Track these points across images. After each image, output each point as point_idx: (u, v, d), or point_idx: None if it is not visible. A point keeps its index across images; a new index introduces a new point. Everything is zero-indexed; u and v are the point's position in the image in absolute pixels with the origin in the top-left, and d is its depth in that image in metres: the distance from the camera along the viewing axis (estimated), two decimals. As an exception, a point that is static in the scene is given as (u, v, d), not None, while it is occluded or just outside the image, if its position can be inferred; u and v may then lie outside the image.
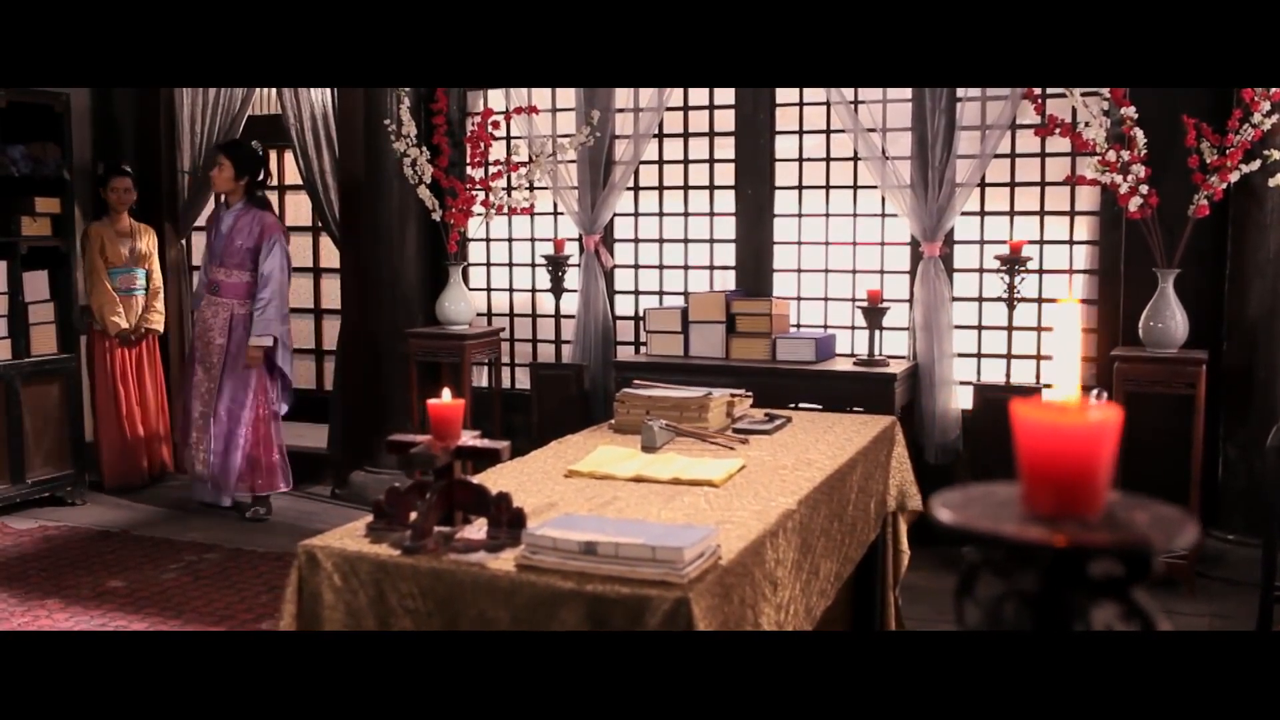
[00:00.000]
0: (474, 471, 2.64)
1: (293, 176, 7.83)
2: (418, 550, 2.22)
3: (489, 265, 6.60)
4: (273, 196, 7.97)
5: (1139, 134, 4.82)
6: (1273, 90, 4.66)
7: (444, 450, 2.30)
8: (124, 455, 6.67)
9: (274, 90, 7.30)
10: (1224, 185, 4.75)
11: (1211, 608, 4.70)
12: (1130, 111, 4.82)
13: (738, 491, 2.72)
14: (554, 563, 2.13)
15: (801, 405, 5.00)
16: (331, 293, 7.86)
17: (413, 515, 2.38)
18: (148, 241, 6.72)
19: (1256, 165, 4.71)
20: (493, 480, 2.74)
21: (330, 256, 7.72)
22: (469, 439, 2.37)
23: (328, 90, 6.62)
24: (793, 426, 3.55)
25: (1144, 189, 4.81)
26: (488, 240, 6.53)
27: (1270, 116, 4.66)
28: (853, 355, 5.65)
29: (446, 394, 2.36)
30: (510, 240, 6.53)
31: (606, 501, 2.63)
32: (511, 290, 6.58)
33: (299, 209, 7.95)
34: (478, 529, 2.37)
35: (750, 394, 3.73)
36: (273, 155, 7.91)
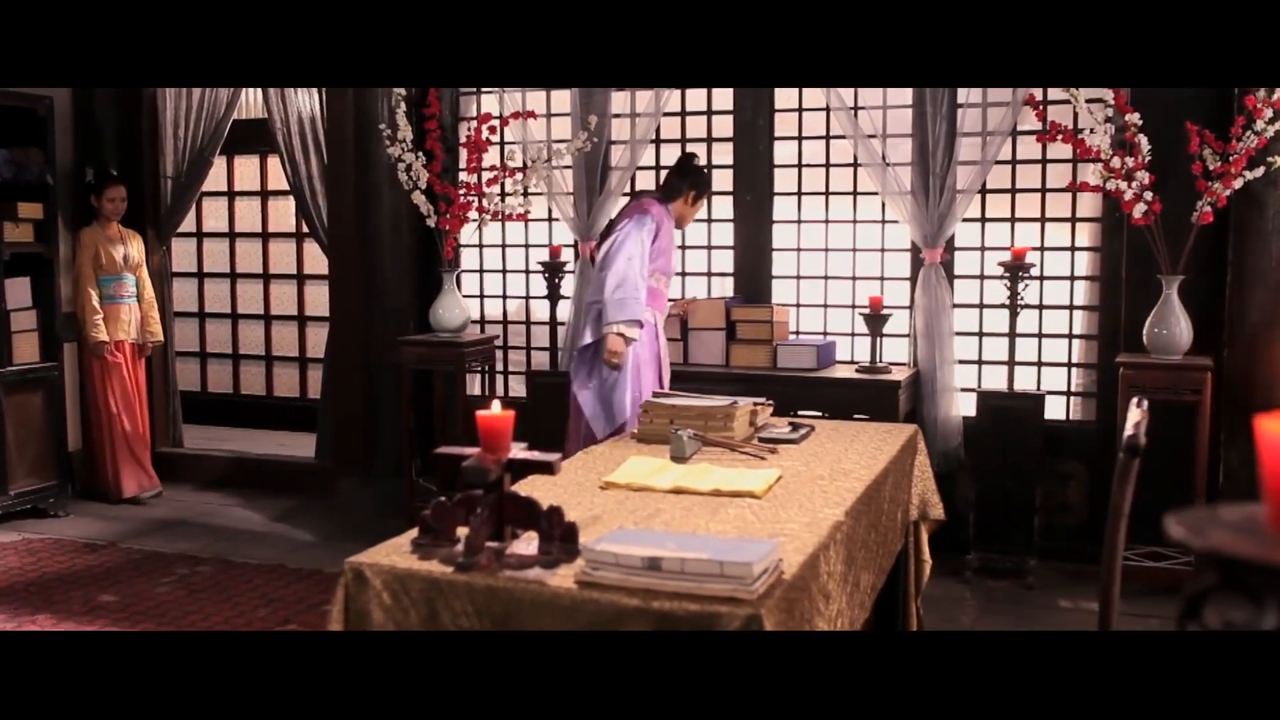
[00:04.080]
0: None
1: (275, 182, 7.74)
2: (472, 567, 2.16)
3: (481, 272, 6.52)
4: (256, 202, 7.89)
5: (1143, 140, 4.82)
6: (1275, 97, 4.67)
7: (495, 463, 2.24)
8: (120, 466, 6.49)
9: (259, 94, 7.19)
10: (1227, 192, 4.75)
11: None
12: (1134, 118, 4.81)
13: (781, 503, 2.68)
14: (617, 579, 2.07)
15: (800, 413, 4.96)
16: (315, 300, 7.76)
17: (459, 530, 2.32)
18: (136, 248, 6.58)
19: (1260, 172, 4.71)
20: (527, 493, 2.67)
21: (314, 263, 7.62)
22: (518, 451, 2.30)
23: (315, 94, 6.52)
24: (818, 435, 3.51)
25: (1148, 195, 4.81)
26: (480, 246, 6.46)
27: (1273, 123, 4.67)
28: (853, 362, 5.63)
29: (496, 405, 2.30)
30: (504, 246, 6.46)
31: (650, 514, 2.58)
32: (505, 297, 6.51)
33: (279, 215, 7.86)
34: (526, 544, 2.30)
35: (771, 402, 3.68)
36: (256, 161, 7.83)
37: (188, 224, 7.52)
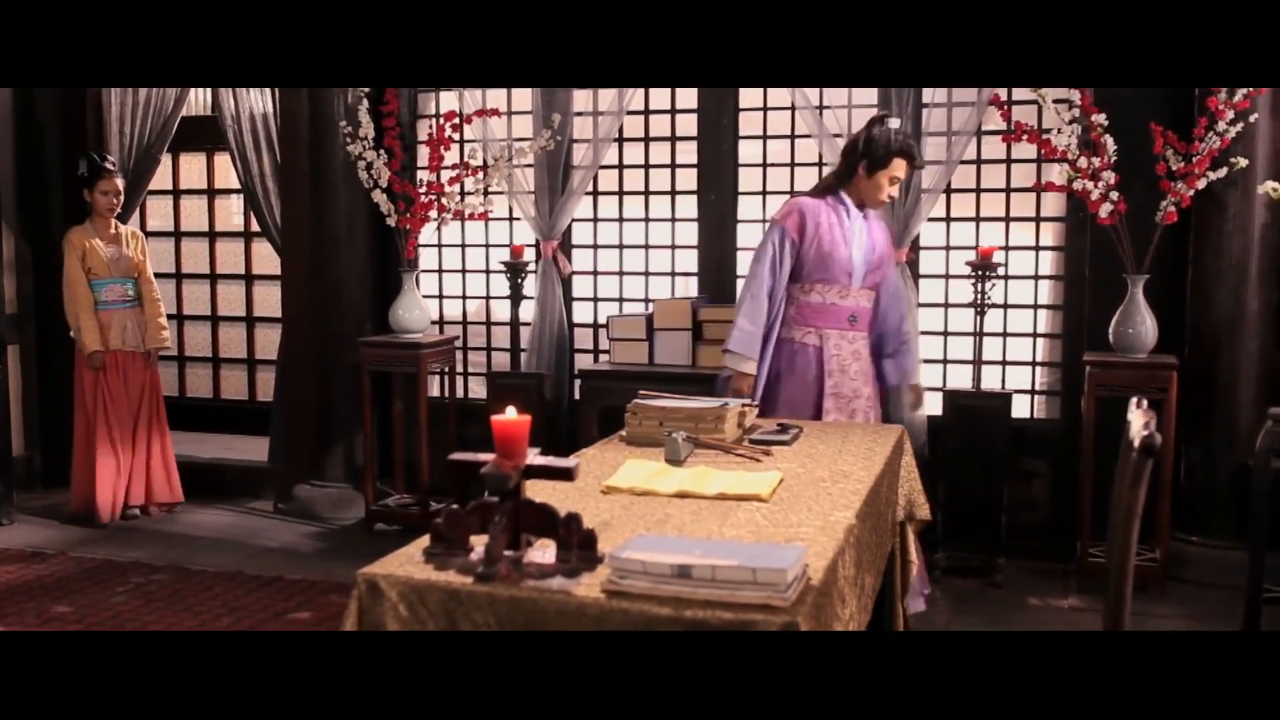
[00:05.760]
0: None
1: (221, 180, 7.57)
2: (492, 577, 2.09)
3: (440, 271, 6.43)
4: (202, 201, 7.71)
5: (1108, 140, 4.86)
6: (1237, 98, 4.73)
7: (514, 469, 2.17)
8: (99, 486, 6.04)
9: (208, 90, 7.02)
10: (1190, 192, 4.81)
11: (1183, 610, 4.75)
12: (1100, 118, 4.85)
13: (789, 506, 2.64)
14: (645, 588, 2.02)
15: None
16: (263, 300, 7.60)
17: (473, 539, 2.25)
18: (136, 247, 6.19)
19: (1222, 172, 4.77)
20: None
21: (262, 263, 7.46)
22: (535, 457, 2.24)
23: (267, 90, 6.38)
24: (807, 436, 3.48)
25: (1114, 195, 4.85)
26: (439, 246, 6.36)
27: (1235, 125, 4.74)
28: (819, 362, 5.61)
29: (511, 410, 2.23)
30: (464, 246, 6.37)
31: (660, 519, 2.53)
32: (465, 298, 6.42)
33: (226, 213, 7.69)
34: (541, 551, 2.24)
35: (758, 404, 3.65)
36: (202, 158, 7.65)
37: (131, 223, 7.31)
